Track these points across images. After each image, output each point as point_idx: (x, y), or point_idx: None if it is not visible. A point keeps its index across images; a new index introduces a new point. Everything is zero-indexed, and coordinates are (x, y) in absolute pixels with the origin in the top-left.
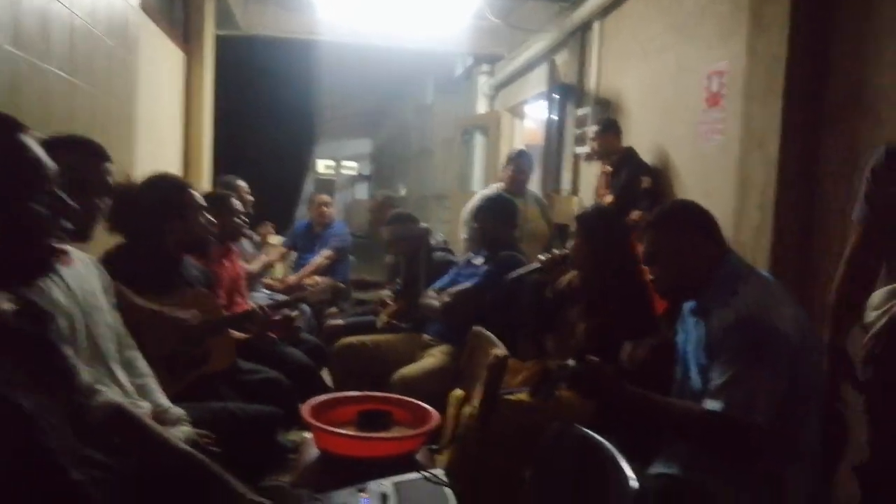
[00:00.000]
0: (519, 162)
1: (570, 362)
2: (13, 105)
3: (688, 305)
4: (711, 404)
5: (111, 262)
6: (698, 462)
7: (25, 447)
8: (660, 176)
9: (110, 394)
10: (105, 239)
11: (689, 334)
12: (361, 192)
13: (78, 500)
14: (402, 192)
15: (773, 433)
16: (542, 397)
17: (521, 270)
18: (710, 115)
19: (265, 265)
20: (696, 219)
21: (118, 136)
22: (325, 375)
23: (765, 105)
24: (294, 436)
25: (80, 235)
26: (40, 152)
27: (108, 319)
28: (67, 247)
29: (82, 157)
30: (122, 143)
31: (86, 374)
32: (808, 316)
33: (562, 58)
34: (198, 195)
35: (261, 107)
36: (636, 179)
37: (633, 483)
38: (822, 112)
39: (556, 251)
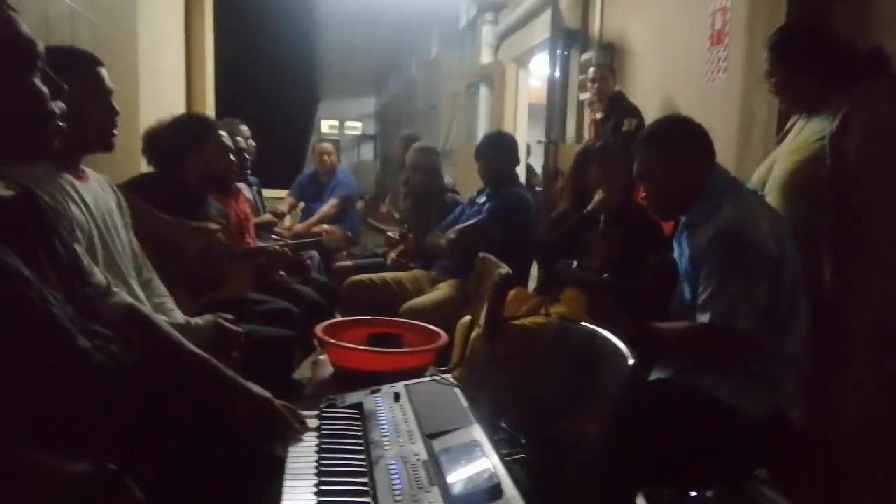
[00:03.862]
0: None
1: (574, 263)
2: None
3: (680, 226)
4: (701, 317)
5: (136, 187)
6: (693, 366)
7: (26, 309)
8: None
9: (125, 296)
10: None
11: (682, 249)
12: (367, 152)
13: (86, 368)
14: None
15: (759, 337)
16: (548, 295)
17: None
18: (715, 53)
19: (277, 214)
20: (687, 135)
21: (121, 70)
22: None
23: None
24: (307, 372)
25: (103, 144)
26: (29, 31)
27: (123, 238)
28: (83, 166)
29: (79, 64)
30: (126, 77)
31: (100, 275)
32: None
33: (565, 2)
34: (225, 135)
35: (264, 61)
36: (619, 124)
37: (630, 360)
38: None
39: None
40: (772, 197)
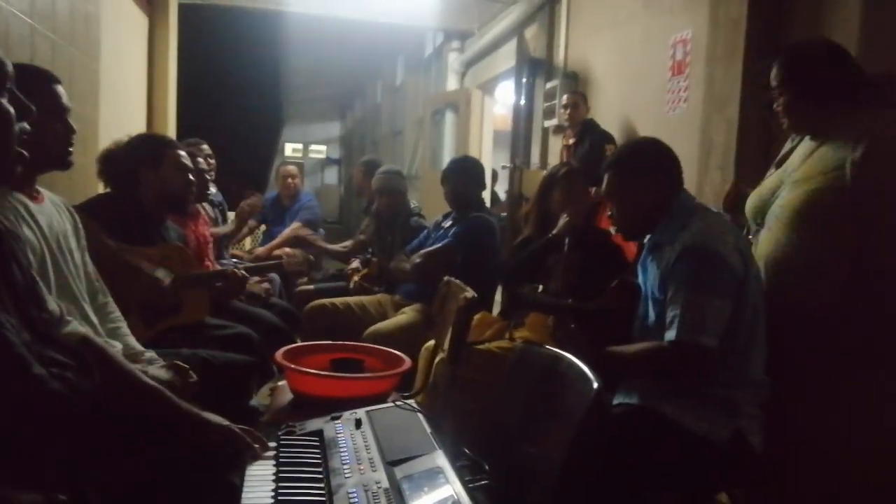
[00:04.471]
0: None
1: (539, 288)
2: None
3: (645, 248)
4: (669, 334)
5: (93, 209)
6: (657, 391)
7: None
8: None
9: (77, 325)
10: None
11: (647, 273)
12: (331, 176)
13: (41, 395)
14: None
15: (722, 355)
16: (513, 319)
17: None
18: (676, 83)
19: (237, 228)
20: (654, 158)
21: (82, 90)
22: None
23: (727, 68)
24: (264, 399)
25: (60, 162)
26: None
27: (77, 261)
28: (39, 187)
29: (35, 81)
30: (87, 97)
31: (53, 303)
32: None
33: (531, 31)
34: (183, 154)
35: (228, 83)
36: (600, 148)
37: (595, 383)
38: None
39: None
40: (778, 224)
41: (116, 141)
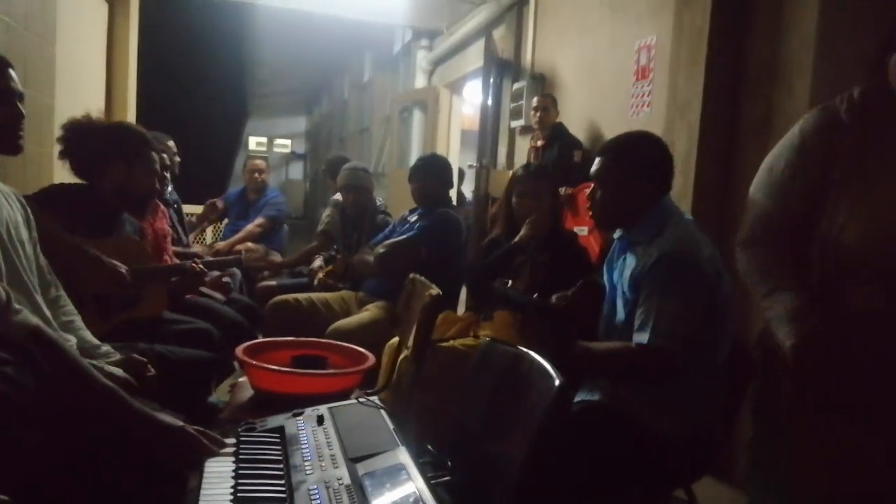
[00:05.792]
0: None
1: (509, 283)
2: None
3: (616, 246)
4: (638, 337)
5: (45, 199)
6: (618, 388)
7: None
8: (591, 149)
9: (29, 315)
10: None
11: (617, 271)
12: (296, 171)
13: None
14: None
15: (688, 359)
16: (483, 314)
17: None
18: (640, 88)
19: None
20: (644, 159)
21: (37, 75)
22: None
23: (689, 76)
24: (224, 396)
25: (7, 147)
26: None
27: (29, 253)
28: None
29: None
30: (43, 83)
31: (1, 290)
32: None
33: (499, 32)
34: (156, 158)
35: (191, 73)
36: (569, 154)
37: (558, 381)
38: (740, 81)
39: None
40: None
41: (87, 115)
